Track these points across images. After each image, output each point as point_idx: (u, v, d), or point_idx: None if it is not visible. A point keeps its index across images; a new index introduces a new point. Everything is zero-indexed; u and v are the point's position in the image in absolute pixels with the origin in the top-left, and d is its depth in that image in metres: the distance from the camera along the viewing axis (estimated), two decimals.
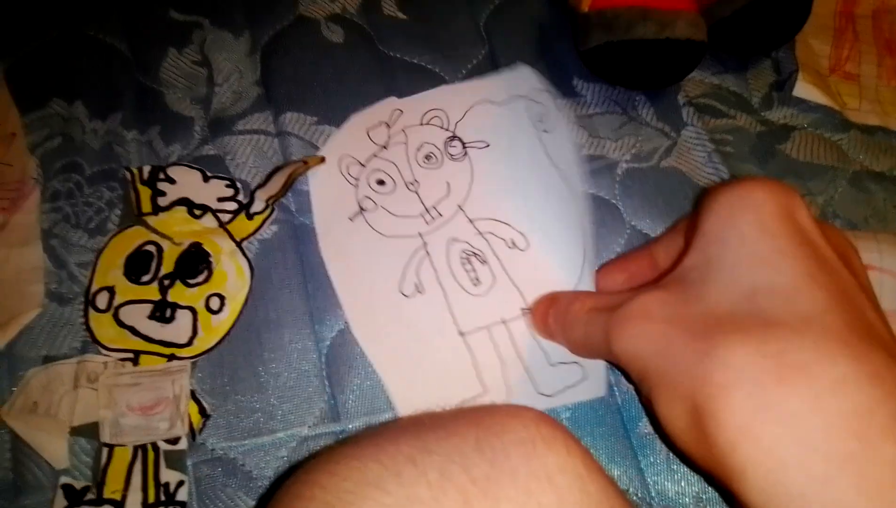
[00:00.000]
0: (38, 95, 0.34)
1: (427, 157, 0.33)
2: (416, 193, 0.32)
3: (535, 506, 0.17)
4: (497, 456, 0.18)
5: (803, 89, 0.37)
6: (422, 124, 0.34)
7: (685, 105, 0.36)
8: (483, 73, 0.36)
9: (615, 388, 0.29)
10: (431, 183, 0.32)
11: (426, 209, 0.32)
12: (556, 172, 0.33)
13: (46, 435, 0.26)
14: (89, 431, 0.27)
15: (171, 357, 0.28)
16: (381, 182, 0.32)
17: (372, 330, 0.29)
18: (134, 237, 0.30)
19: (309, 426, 0.28)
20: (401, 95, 0.35)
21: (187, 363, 0.28)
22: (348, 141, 0.33)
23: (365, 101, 0.35)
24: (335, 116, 0.34)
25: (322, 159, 0.32)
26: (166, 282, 0.29)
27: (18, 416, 0.27)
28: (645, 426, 0.28)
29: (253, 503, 0.26)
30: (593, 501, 0.17)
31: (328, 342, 0.29)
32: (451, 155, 0.33)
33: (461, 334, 0.29)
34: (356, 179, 0.32)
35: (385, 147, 0.33)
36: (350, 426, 0.28)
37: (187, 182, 0.32)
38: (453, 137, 0.34)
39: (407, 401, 0.28)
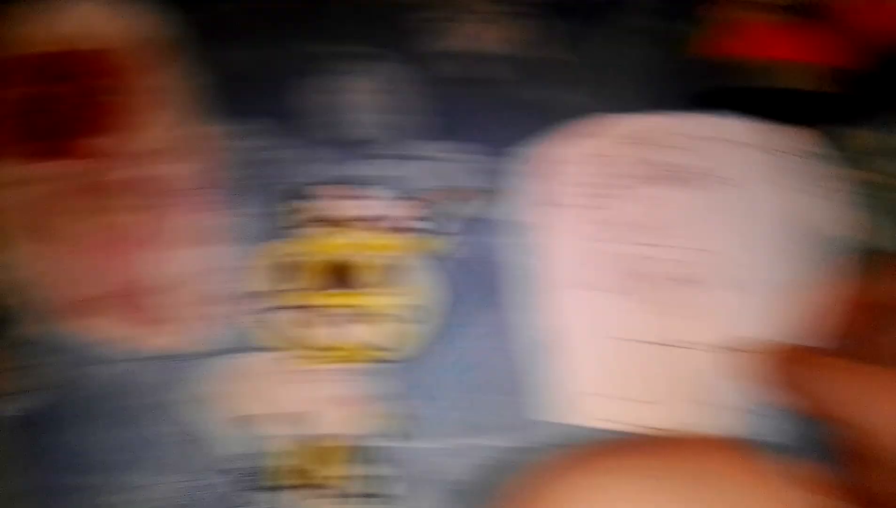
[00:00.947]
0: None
1: (654, 174, 0.35)
2: (633, 206, 0.34)
3: None
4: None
5: None
6: (654, 144, 0.36)
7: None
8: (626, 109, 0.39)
9: None
10: (651, 200, 0.34)
11: (639, 224, 0.34)
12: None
13: (238, 419, 0.29)
14: (286, 420, 0.29)
15: (368, 359, 0.31)
16: (599, 188, 0.34)
17: (564, 320, 0.32)
18: (322, 245, 0.33)
19: (508, 436, 0.31)
20: (557, 128, 0.38)
21: (386, 365, 0.31)
22: (578, 146, 0.36)
23: (524, 131, 0.37)
24: (500, 145, 0.37)
25: (496, 190, 0.35)
26: (358, 289, 0.32)
27: (212, 398, 0.30)
28: None
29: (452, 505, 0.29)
30: None
31: (518, 354, 0.32)
32: (679, 178, 0.35)
33: (646, 343, 0.31)
34: (578, 181, 0.35)
35: (613, 157, 0.35)
36: (545, 440, 0.31)
37: (371, 198, 0.34)
38: (684, 164, 0.35)
39: (602, 409, 0.31)
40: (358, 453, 0.29)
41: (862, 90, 0.37)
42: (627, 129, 0.36)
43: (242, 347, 0.31)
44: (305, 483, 0.29)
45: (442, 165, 0.37)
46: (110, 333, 0.31)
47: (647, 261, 0.33)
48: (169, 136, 0.35)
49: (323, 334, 0.32)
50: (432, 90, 0.39)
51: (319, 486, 0.29)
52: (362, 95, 0.38)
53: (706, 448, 0.22)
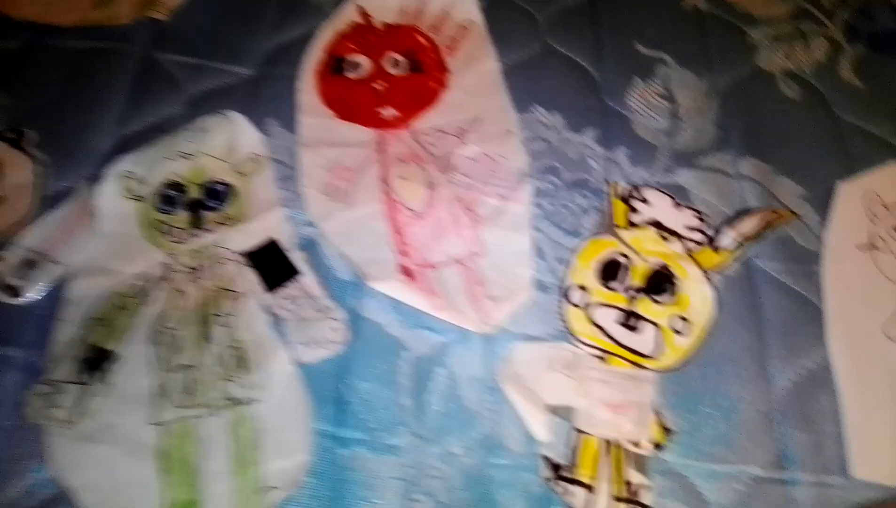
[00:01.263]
0: (524, 100, 0.37)
1: None
2: None
3: None
4: None
5: None
6: None
7: None
8: None
9: None
10: None
11: None
12: None
13: (529, 405, 0.29)
14: (563, 412, 0.29)
15: (635, 365, 0.30)
16: None
17: (850, 365, 0.30)
18: (606, 245, 0.32)
19: (762, 467, 0.28)
20: (851, 161, 0.35)
21: (653, 374, 0.30)
22: (881, 182, 0.35)
23: (818, 159, 0.35)
24: (791, 170, 0.35)
25: (796, 215, 0.33)
26: (634, 293, 0.31)
27: (508, 382, 0.29)
28: None
29: None
30: None
31: (780, 387, 0.30)
32: None
33: None
34: (875, 216, 0.34)
35: None
36: (799, 478, 0.28)
37: (659, 205, 0.33)
38: None
39: (867, 457, 0.28)
40: (634, 460, 0.28)
41: None
42: None
43: (554, 335, 0.31)
44: (594, 480, 0.28)
45: (733, 182, 0.35)
46: (431, 301, 0.31)
47: None
48: (501, 118, 0.36)
49: (622, 334, 0.30)
50: (757, 108, 0.37)
51: (614, 487, 0.28)
52: (686, 104, 0.37)
53: None
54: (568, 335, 0.31)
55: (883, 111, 0.37)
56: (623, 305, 0.31)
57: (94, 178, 0.33)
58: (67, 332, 0.30)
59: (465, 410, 0.29)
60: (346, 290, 0.31)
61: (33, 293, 0.31)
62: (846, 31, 0.41)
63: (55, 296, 0.31)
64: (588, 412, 0.29)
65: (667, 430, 0.29)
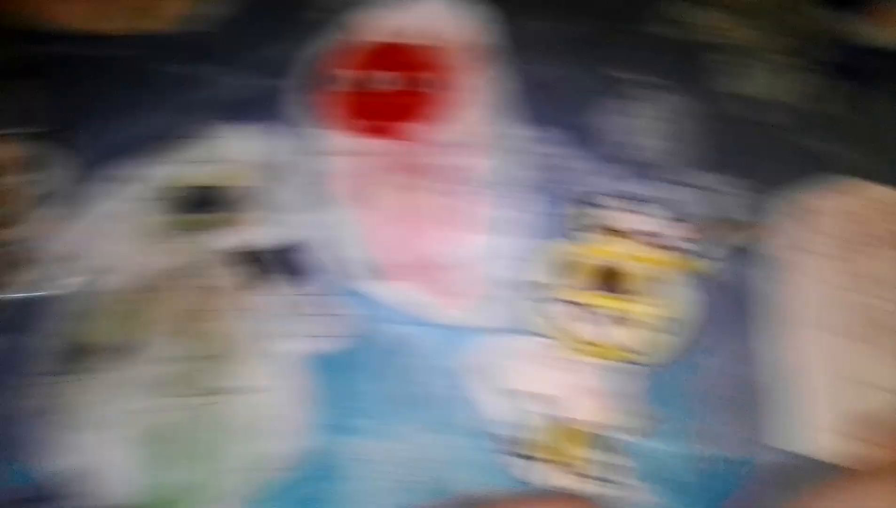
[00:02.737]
0: (502, 113, 0.40)
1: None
2: (884, 265, 0.35)
3: None
4: None
5: None
6: None
7: None
8: None
9: None
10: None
11: (887, 280, 0.35)
12: None
13: (496, 392, 0.32)
14: (539, 400, 0.32)
15: (627, 360, 0.33)
16: (856, 246, 0.36)
17: (813, 367, 0.33)
18: (597, 251, 0.35)
19: (738, 451, 0.32)
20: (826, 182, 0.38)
21: (639, 367, 0.32)
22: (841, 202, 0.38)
23: (796, 179, 0.38)
24: (773, 185, 0.38)
25: (769, 229, 0.36)
26: (622, 295, 0.34)
27: (476, 370, 0.33)
28: None
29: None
30: None
31: (758, 381, 0.33)
32: None
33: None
34: (837, 234, 0.36)
35: (869, 220, 0.37)
36: (769, 458, 0.32)
37: (646, 214, 0.36)
38: None
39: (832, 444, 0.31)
40: (601, 441, 0.31)
41: None
42: (880, 196, 0.38)
43: (516, 329, 0.34)
44: (553, 458, 0.31)
45: (714, 196, 0.37)
46: (406, 296, 0.34)
47: (887, 314, 0.34)
48: (477, 131, 0.38)
49: (586, 329, 0.33)
50: (714, 126, 0.40)
51: (565, 464, 0.31)
52: (649, 120, 0.40)
53: None
54: (546, 330, 0.33)
55: (849, 137, 0.40)
56: (612, 304, 0.34)
57: (118, 178, 0.36)
58: (65, 324, 0.32)
59: (427, 396, 0.32)
60: (331, 288, 0.34)
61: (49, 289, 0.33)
62: (816, 63, 0.44)
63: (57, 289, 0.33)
64: (566, 398, 0.32)
65: (641, 416, 0.31)
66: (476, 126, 0.39)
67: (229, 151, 0.37)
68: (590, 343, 0.33)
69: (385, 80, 0.40)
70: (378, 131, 0.38)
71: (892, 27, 0.43)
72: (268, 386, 0.31)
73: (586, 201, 0.37)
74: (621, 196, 0.37)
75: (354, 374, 0.33)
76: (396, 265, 0.35)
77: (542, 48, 0.41)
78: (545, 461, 0.31)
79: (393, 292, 0.34)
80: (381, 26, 0.41)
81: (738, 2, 0.44)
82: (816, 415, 0.32)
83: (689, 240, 0.36)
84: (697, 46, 0.43)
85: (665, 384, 0.33)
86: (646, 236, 0.36)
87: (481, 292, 0.34)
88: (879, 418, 0.32)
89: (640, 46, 0.42)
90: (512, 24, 0.41)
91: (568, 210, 0.37)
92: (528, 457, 0.30)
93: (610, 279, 0.35)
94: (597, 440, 0.31)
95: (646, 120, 0.40)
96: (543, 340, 0.33)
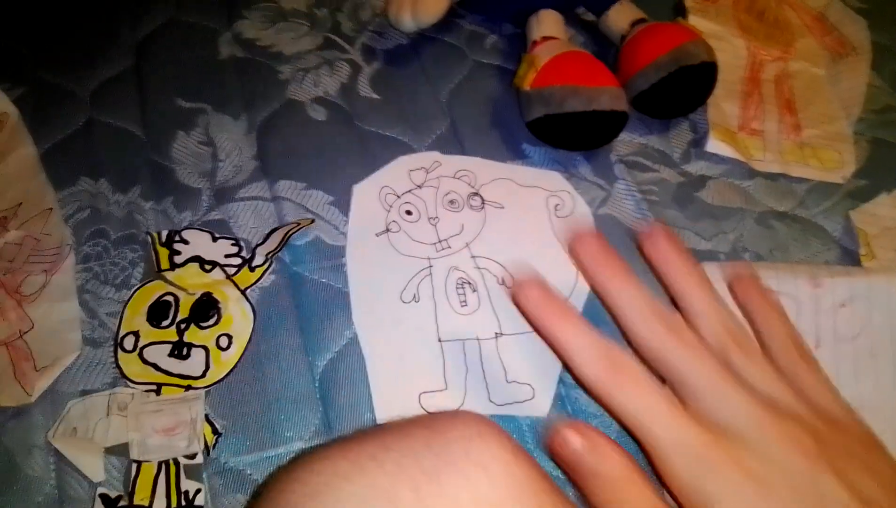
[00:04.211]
0: (68, 175, 0.40)
1: (451, 201, 0.40)
2: (435, 226, 0.39)
3: (472, 489, 0.21)
4: (442, 451, 0.22)
5: (715, 146, 0.44)
6: (453, 177, 0.41)
7: (616, 162, 0.43)
8: (447, 143, 0.43)
9: (566, 410, 0.34)
10: (449, 222, 0.40)
11: (439, 240, 0.39)
12: (555, 240, 0.39)
13: (85, 455, 0.31)
14: (121, 450, 0.32)
15: (188, 388, 0.34)
16: (408, 212, 0.40)
17: (372, 325, 0.36)
18: (154, 289, 0.36)
19: (304, 440, 0.33)
20: (374, 162, 0.42)
21: (202, 391, 0.34)
22: (391, 176, 0.41)
23: (345, 167, 0.41)
24: (322, 182, 0.41)
25: (312, 221, 0.39)
26: (182, 326, 0.35)
27: (61, 440, 0.32)
28: None
29: None
30: (519, 483, 0.21)
31: (320, 370, 0.35)
32: (471, 205, 0.40)
33: (440, 340, 0.35)
34: (390, 206, 0.40)
35: (420, 187, 0.41)
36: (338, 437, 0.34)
37: (198, 242, 0.37)
38: (476, 194, 0.41)
39: (384, 393, 0.34)
40: (187, 470, 0.32)
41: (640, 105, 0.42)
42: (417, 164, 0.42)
43: (107, 385, 0.34)
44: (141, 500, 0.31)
45: (270, 205, 0.40)
46: None
47: (454, 271, 0.38)
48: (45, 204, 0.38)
49: (172, 365, 0.34)
50: (263, 135, 0.42)
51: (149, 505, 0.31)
52: (229, 146, 0.42)
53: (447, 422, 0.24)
54: (123, 380, 0.34)
55: (395, 115, 0.44)
56: (173, 338, 0.35)
57: None
58: None
59: (28, 478, 0.31)
60: None
61: None
62: (364, 52, 0.48)
63: None
64: (142, 442, 0.32)
65: (216, 433, 0.33)
66: (40, 193, 0.38)
67: None
68: (181, 376, 0.34)
69: None
70: None
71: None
72: None
73: (166, 239, 0.37)
74: (200, 227, 0.38)
75: None
76: None
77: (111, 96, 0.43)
78: (142, 506, 0.31)
79: None
80: None
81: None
82: (389, 382, 0.35)
83: (259, 252, 0.37)
84: (265, 63, 0.46)
85: (228, 398, 0.33)
86: (226, 257, 0.37)
87: (64, 359, 0.34)
88: None
89: (213, 72, 0.44)
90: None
91: (150, 254, 0.37)
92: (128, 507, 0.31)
93: (198, 309, 0.35)
94: (192, 469, 0.32)
95: (221, 146, 0.42)
96: (137, 387, 0.34)
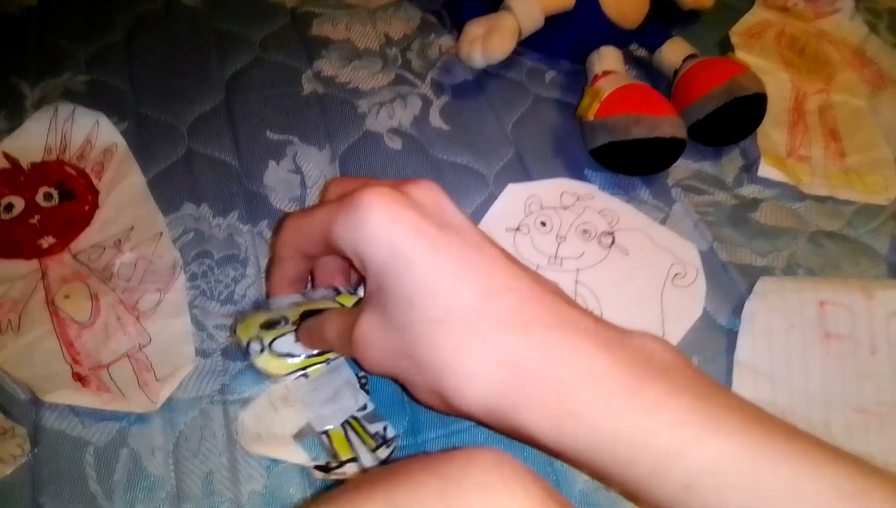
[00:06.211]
0: (173, 201, 0.43)
1: (584, 231, 0.43)
2: (559, 244, 0.43)
3: None
4: (459, 504, 0.19)
5: (767, 170, 0.47)
6: (598, 212, 0.45)
7: (674, 186, 0.46)
8: (513, 170, 0.46)
9: None
10: (573, 245, 0.43)
11: (556, 256, 0.42)
12: (659, 304, 0.41)
13: (284, 448, 0.34)
14: (306, 431, 0.35)
15: (328, 362, 0.36)
16: (543, 223, 0.43)
17: None
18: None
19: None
20: (447, 187, 0.44)
21: (341, 358, 0.37)
22: (544, 189, 0.45)
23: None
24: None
25: None
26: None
27: (257, 447, 0.35)
28: None
29: None
30: None
31: None
32: (600, 241, 0.43)
33: None
34: (530, 211, 0.44)
35: (565, 208, 0.44)
36: None
37: None
38: (610, 233, 0.43)
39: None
40: (366, 419, 0.35)
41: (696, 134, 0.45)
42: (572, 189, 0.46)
43: (204, 395, 0.37)
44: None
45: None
46: (93, 400, 0.35)
47: None
48: (156, 228, 0.42)
49: (303, 348, 0.36)
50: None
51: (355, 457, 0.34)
52: (316, 174, 0.45)
53: None
54: (268, 377, 0.36)
55: (464, 144, 0.48)
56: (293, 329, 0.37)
57: None
58: None
59: (150, 476, 0.34)
60: (25, 408, 0.35)
61: None
62: (434, 87, 0.51)
63: None
64: (317, 417, 0.35)
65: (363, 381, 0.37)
66: (150, 218, 0.42)
67: None
68: (318, 353, 0.36)
69: (44, 197, 0.42)
70: (45, 250, 0.40)
71: None
72: None
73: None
74: None
75: None
76: (92, 368, 0.36)
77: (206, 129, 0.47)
78: (349, 459, 0.34)
79: (89, 397, 0.35)
80: (29, 147, 0.43)
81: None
82: None
83: None
84: (344, 98, 0.50)
85: None
86: None
87: (181, 370, 0.37)
88: None
89: (297, 108, 0.49)
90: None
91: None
92: (340, 465, 0.34)
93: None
94: (356, 427, 0.34)
95: (308, 174, 0.45)
96: (286, 378, 0.36)
